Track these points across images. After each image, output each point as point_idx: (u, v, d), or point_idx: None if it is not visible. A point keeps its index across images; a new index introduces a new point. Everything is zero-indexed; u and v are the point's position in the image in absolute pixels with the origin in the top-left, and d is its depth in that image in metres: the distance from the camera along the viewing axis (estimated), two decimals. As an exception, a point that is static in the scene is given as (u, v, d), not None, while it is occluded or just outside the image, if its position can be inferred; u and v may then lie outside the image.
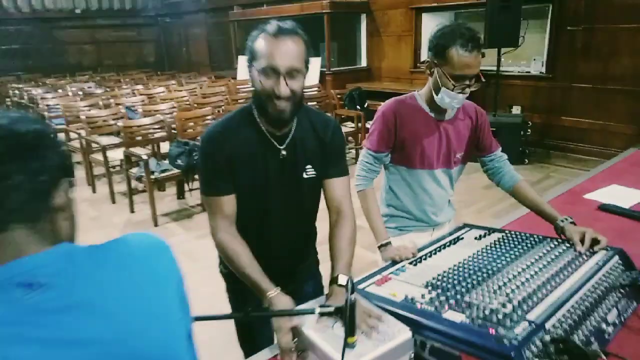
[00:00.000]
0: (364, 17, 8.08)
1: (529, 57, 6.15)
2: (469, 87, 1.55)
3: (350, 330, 0.93)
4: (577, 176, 2.62)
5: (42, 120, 0.92)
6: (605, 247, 1.41)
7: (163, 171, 4.25)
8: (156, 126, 4.75)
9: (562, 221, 1.54)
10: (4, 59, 11.37)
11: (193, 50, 13.08)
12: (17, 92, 8.02)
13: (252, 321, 1.43)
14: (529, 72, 6.17)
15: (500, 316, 1.05)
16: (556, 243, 1.46)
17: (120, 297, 0.66)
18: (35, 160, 0.65)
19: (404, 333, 1.05)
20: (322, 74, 7.65)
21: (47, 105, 6.29)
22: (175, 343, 0.70)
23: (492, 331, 1.00)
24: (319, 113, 1.48)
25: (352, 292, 0.93)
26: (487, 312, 1.07)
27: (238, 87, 7.66)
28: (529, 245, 1.44)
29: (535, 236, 1.50)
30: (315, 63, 7.34)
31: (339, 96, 6.70)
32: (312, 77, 7.23)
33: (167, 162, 4.32)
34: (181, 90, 6.95)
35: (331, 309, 0.98)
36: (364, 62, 8.28)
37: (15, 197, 0.63)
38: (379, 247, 1.61)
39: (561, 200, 2.15)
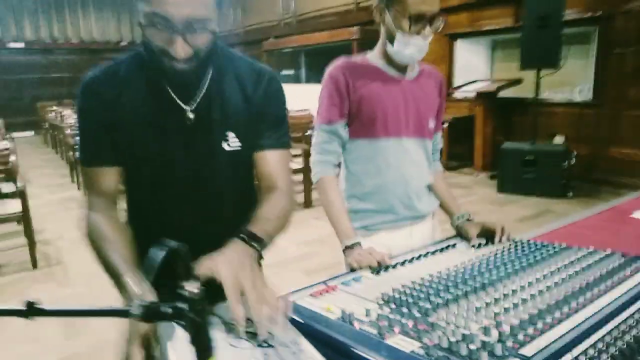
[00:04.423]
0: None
1: (572, 84, 5.66)
2: (429, 26, 1.23)
3: (203, 353, 0.55)
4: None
5: None
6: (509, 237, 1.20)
7: None
8: None
9: (458, 218, 1.33)
10: (54, 87, 11.94)
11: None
12: (52, 114, 8.29)
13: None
14: (571, 99, 5.66)
15: (474, 347, 0.64)
16: (585, 253, 1.03)
17: None
18: None
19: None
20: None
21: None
22: None
23: (456, 370, 0.60)
24: (249, 61, 1.07)
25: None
26: (455, 339, 0.67)
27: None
28: (544, 254, 1.02)
29: (556, 245, 1.08)
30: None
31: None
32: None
33: None
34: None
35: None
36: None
37: None
38: (344, 251, 1.21)
39: (604, 218, 1.69)
